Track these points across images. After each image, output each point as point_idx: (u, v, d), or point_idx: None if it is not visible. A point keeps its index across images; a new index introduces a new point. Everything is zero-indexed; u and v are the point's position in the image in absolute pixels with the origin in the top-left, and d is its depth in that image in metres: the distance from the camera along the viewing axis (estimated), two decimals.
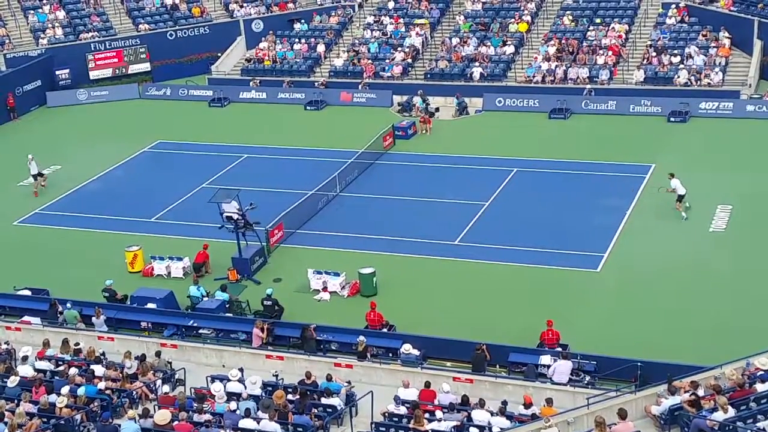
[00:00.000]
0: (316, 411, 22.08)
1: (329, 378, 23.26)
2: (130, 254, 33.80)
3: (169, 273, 33.41)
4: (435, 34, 54.43)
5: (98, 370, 24.49)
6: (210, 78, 54.69)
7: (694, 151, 40.76)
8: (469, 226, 35.31)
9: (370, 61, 52.35)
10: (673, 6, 51.49)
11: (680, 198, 34.50)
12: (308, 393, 22.65)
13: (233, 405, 22.02)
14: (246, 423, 21.26)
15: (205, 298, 30.85)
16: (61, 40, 55.53)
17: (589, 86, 47.63)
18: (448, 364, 26.36)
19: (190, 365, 25.83)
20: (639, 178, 38.20)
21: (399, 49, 52.86)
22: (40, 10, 57.13)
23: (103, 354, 25.71)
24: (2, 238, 37.43)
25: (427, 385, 22.96)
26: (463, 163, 41.29)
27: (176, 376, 25.16)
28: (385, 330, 28.33)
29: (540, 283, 31.14)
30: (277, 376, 24.24)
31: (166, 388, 24.21)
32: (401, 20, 55.28)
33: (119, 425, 21.56)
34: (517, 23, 53.01)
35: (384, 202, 38.25)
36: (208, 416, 21.61)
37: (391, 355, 26.81)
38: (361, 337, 26.72)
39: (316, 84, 52.06)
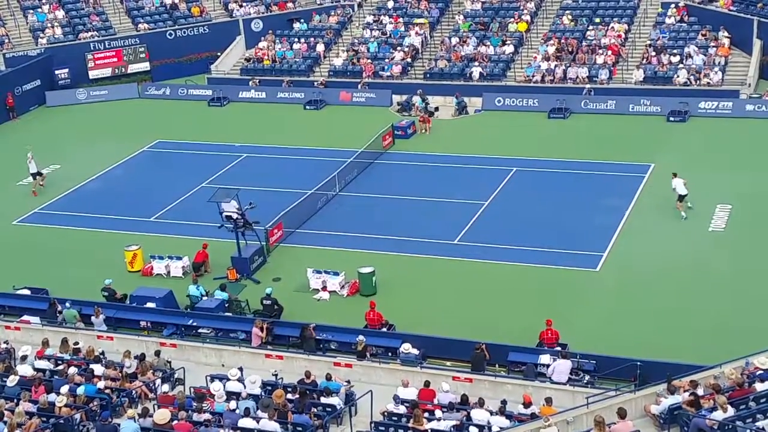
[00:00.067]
0: (315, 410, 22.06)
1: (329, 377, 23.25)
2: (129, 253, 33.79)
3: (169, 272, 33.40)
4: (434, 34, 54.42)
5: (97, 369, 24.47)
6: (209, 77, 54.68)
7: (693, 151, 40.76)
8: (469, 225, 35.31)
9: (369, 61, 52.35)
10: (673, 5, 51.50)
11: (681, 198, 34.50)
12: (308, 392, 22.64)
13: (233, 404, 22.01)
14: (245, 422, 21.25)
15: (205, 298, 30.85)
16: (60, 39, 55.53)
17: (588, 86, 47.63)
18: (448, 363, 26.35)
19: (189, 364, 25.81)
20: (638, 177, 38.20)
21: (398, 48, 52.87)
22: (39, 10, 57.13)
23: (103, 353, 25.69)
24: (1, 238, 37.42)
25: (427, 384, 22.96)
26: (462, 163, 41.29)
27: (176, 376, 25.14)
28: (384, 329, 28.33)
29: (539, 282, 31.14)
30: (276, 375, 24.25)
31: (165, 387, 24.18)
32: (401, 20, 55.29)
33: (119, 424, 21.56)
34: (517, 23, 53.01)
35: (383, 201, 38.25)
36: (207, 415, 21.59)
37: (390, 354, 26.79)
38: (361, 337, 26.73)
39: (315, 83, 52.05)
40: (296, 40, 55.81)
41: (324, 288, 31.41)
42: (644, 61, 48.44)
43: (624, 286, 30.62)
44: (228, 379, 23.36)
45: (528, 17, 53.31)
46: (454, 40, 52.61)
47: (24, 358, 25.14)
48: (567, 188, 38.11)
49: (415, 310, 29.94)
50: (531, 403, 21.83)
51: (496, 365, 25.94)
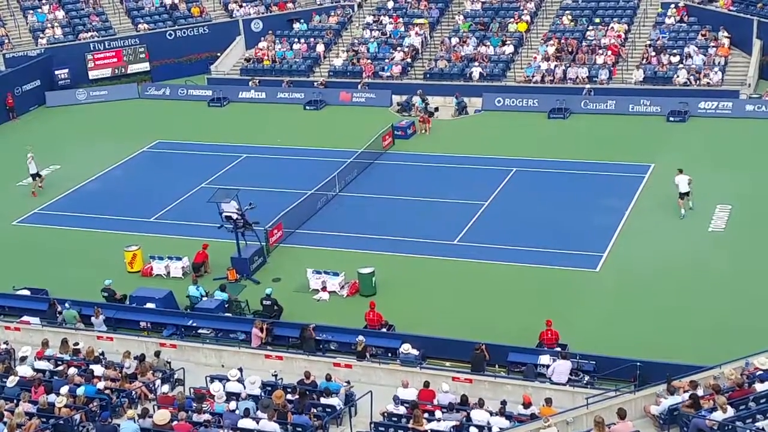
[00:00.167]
0: (315, 411, 22.06)
1: (328, 378, 23.25)
2: (129, 254, 33.79)
3: (169, 273, 33.39)
4: (434, 34, 54.41)
5: (97, 369, 24.48)
6: (209, 78, 54.66)
7: (693, 151, 40.73)
8: (469, 225, 35.30)
9: (369, 61, 52.34)
10: (673, 5, 51.49)
11: (682, 195, 34.45)
12: (307, 393, 22.64)
13: (232, 405, 22.01)
14: (245, 423, 21.25)
15: (205, 298, 30.85)
16: (60, 39, 55.52)
17: (588, 86, 47.62)
18: (448, 363, 26.35)
19: (189, 365, 25.81)
20: (638, 177, 38.19)
21: (398, 48, 52.86)
22: (39, 10, 57.13)
23: (103, 354, 25.69)
24: (1, 238, 37.41)
25: (427, 384, 22.95)
26: (462, 163, 41.29)
27: (175, 376, 25.14)
28: (384, 330, 28.32)
29: (539, 282, 31.13)
30: (276, 375, 24.24)
31: (165, 387, 24.19)
32: (400, 20, 55.28)
33: (118, 425, 21.56)
34: (517, 23, 53.00)
35: (383, 201, 38.24)
36: (207, 416, 21.59)
37: (390, 354, 26.80)
38: (360, 337, 26.73)
39: (315, 84, 52.04)
40: (296, 40, 55.79)
41: (324, 288, 31.41)
42: (644, 62, 48.43)
43: (624, 286, 30.61)
44: (228, 380, 23.36)
45: (528, 17, 53.30)
46: (454, 41, 52.61)
47: (24, 358, 25.14)
48: (567, 188, 38.10)
49: (414, 310, 29.93)
50: (531, 403, 21.83)
51: (496, 366, 25.94)
